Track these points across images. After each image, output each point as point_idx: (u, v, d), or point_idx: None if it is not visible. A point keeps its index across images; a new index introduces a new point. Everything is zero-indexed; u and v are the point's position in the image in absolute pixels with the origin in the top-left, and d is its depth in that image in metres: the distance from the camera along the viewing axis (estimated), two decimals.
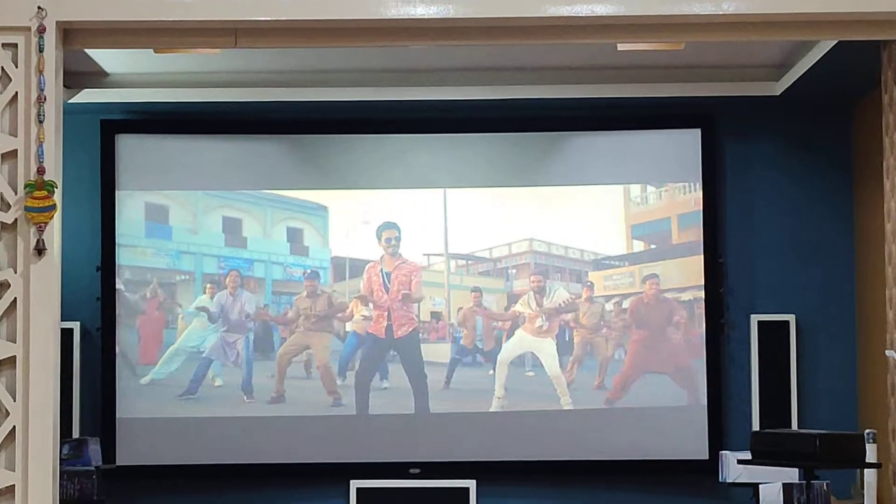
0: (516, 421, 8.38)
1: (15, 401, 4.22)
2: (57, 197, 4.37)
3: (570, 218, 8.55)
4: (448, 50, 7.68)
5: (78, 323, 8.14)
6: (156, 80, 8.15)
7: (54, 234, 4.40)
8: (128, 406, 8.25)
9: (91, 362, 8.31)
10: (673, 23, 4.43)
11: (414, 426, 8.44)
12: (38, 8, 4.29)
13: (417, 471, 8.10)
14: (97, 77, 8.03)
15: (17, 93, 4.34)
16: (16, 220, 4.32)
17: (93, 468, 6.98)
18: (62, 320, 7.71)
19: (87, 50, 7.50)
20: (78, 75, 7.91)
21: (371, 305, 8.41)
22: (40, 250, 4.35)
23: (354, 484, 8.01)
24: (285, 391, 8.49)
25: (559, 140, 8.51)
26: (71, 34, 4.43)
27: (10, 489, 4.16)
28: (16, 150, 4.32)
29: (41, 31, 4.31)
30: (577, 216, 8.52)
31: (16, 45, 4.31)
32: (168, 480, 8.31)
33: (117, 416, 8.10)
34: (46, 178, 4.35)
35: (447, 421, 8.38)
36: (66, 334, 7.70)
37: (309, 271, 8.57)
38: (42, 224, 4.34)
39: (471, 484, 7.98)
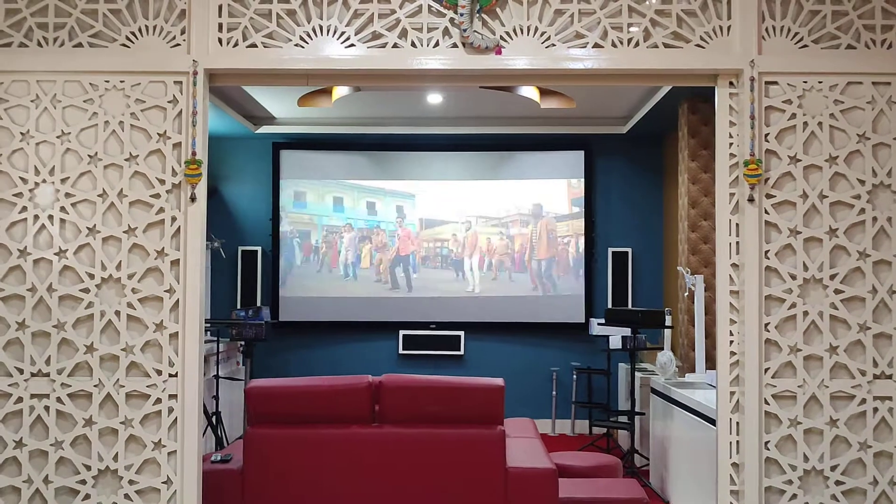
0: (486, 302, 10.53)
1: (179, 283, 4.70)
2: (203, 168, 4.64)
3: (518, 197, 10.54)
4: (450, 104, 9.25)
5: (260, 247, 10.82)
6: (300, 120, 10.36)
7: (201, 190, 4.67)
8: (285, 289, 10.83)
9: (266, 268, 10.93)
10: (556, 74, 4.69)
11: (436, 303, 10.55)
12: (193, 61, 4.65)
13: (434, 326, 10.78)
14: (269, 119, 10.32)
15: (181, 109, 4.71)
16: (180, 182, 4.65)
17: (263, 322, 8.35)
18: (249, 245, 10.63)
19: (261, 101, 9.55)
20: (259, 118, 10.28)
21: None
22: (193, 199, 4.66)
23: (402, 332, 10.82)
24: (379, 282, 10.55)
25: (507, 156, 10.78)
26: (213, 76, 4.75)
27: (176, 334, 4.69)
28: (180, 142, 4.70)
29: (195, 73, 4.67)
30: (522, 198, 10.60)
31: (182, 82, 4.68)
32: (306, 329, 10.82)
33: (280, 294, 10.84)
34: (197, 157, 4.64)
35: (450, 301, 10.68)
36: (253, 254, 10.66)
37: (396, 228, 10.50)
38: (194, 184, 4.64)
39: (461, 333, 10.80)
